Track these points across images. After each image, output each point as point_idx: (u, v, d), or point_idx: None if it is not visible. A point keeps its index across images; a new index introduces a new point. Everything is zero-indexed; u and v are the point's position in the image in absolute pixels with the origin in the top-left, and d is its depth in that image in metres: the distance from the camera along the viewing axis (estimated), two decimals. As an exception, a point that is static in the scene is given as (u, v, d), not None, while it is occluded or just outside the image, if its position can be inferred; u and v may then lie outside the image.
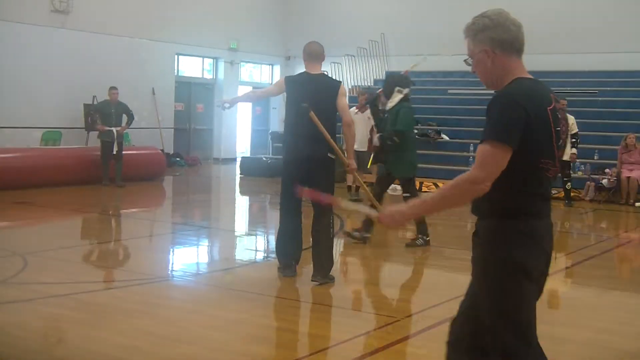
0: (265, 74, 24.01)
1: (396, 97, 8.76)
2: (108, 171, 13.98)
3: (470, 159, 16.08)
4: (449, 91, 19.56)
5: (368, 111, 12.60)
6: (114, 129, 14.11)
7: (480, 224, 3.08)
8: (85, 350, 4.84)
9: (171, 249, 9.10)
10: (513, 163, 2.83)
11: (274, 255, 8.87)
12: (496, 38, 3.02)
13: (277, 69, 23.87)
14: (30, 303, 5.98)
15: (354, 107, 13.34)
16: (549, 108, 2.92)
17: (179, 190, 16.19)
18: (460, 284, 7.20)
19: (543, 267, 3.03)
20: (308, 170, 6.56)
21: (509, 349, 2.95)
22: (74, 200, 12.17)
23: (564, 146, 3.02)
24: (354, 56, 21.22)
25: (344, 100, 6.75)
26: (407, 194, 8.68)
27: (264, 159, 18.55)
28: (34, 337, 5.13)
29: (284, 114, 7.11)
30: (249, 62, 23.08)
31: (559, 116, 2.96)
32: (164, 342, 4.98)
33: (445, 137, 17.35)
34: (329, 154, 6.60)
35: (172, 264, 8.29)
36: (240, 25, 21.54)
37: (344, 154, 6.78)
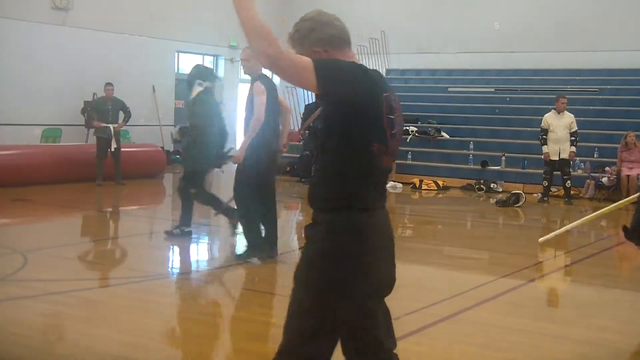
0: (265, 71, 23.95)
1: (196, 90, 8.65)
2: (102, 170, 13.87)
3: (470, 157, 16.10)
4: (450, 89, 19.56)
5: None
6: (110, 126, 14.01)
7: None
8: (84, 348, 4.84)
9: (171, 247, 9.10)
10: (340, 146, 2.82)
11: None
12: (325, 37, 3.02)
13: (277, 66, 23.82)
14: (29, 300, 5.98)
15: None
16: (385, 94, 2.90)
17: (179, 188, 16.15)
18: (460, 282, 7.24)
19: (386, 263, 3.03)
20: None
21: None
22: (73, 198, 12.16)
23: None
24: (354, 54, 21.16)
25: (255, 98, 7.41)
26: (194, 191, 8.70)
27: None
28: (34, 335, 5.13)
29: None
30: (249, 59, 23.03)
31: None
32: (163, 340, 4.99)
33: (446, 135, 17.35)
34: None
35: (172, 261, 8.29)
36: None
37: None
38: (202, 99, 8.59)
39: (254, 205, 7.48)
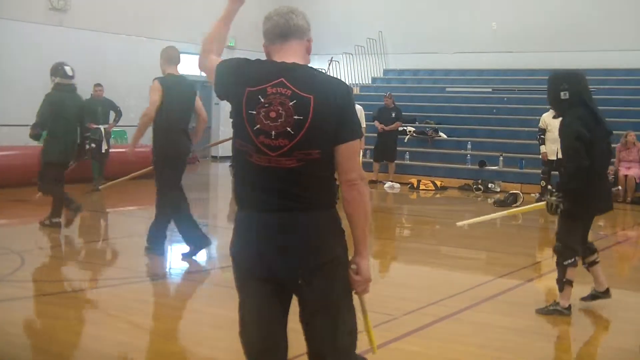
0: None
1: (51, 86, 9.20)
2: (99, 170, 13.79)
3: (468, 157, 16.10)
4: (447, 89, 19.57)
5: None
6: (101, 127, 13.84)
7: None
8: (83, 348, 4.85)
9: (169, 247, 9.08)
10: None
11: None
12: (264, 32, 3.14)
13: (275, 67, 23.84)
14: (27, 301, 5.99)
15: None
16: (249, 88, 2.86)
17: (177, 188, 16.13)
18: (457, 282, 7.24)
19: (251, 265, 2.96)
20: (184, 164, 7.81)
21: None
22: (74, 198, 12.12)
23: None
24: (352, 54, 21.21)
25: (149, 95, 7.68)
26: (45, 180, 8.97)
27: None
28: (32, 335, 5.13)
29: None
30: (247, 59, 23.04)
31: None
32: (162, 340, 4.98)
33: (443, 135, 17.35)
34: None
35: (170, 262, 8.28)
36: (237, 22, 21.11)
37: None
38: (49, 94, 9.20)
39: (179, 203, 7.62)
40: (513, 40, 19.25)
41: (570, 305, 5.82)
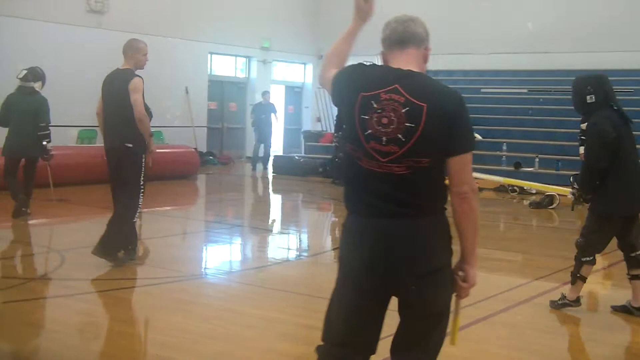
0: (297, 72, 24.07)
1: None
2: None
3: (503, 158, 15.99)
4: (482, 90, 19.45)
5: None
6: None
7: None
8: (120, 347, 4.91)
9: (204, 247, 9.18)
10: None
11: (306, 254, 8.95)
12: (382, 39, 3.16)
13: (309, 67, 23.91)
14: (67, 299, 6.08)
15: None
16: (363, 94, 2.86)
17: (212, 189, 16.29)
18: (493, 284, 7.19)
19: (357, 269, 2.93)
20: (110, 161, 7.21)
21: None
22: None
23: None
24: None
25: (134, 96, 7.07)
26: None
27: (296, 157, 18.61)
28: (71, 332, 5.21)
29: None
30: (281, 61, 23.15)
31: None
32: (198, 339, 5.02)
33: (478, 137, 17.22)
34: (126, 144, 7.00)
35: (206, 262, 8.36)
36: (273, 24, 21.61)
37: None
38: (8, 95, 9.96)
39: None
40: (549, 41, 19.07)
41: (578, 298, 5.89)
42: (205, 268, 7.91)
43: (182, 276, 7.02)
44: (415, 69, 2.93)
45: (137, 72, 7.28)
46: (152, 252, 8.67)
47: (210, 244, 9.41)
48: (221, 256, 8.70)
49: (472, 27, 20.29)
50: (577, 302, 5.90)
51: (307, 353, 4.99)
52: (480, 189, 15.02)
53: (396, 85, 2.83)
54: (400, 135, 2.78)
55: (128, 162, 7.05)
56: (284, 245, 9.69)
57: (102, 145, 12.06)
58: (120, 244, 7.09)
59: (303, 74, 24.08)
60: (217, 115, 20.95)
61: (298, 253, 9.13)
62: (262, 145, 18.79)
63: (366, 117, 2.83)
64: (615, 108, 5.76)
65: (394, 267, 2.86)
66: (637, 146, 5.88)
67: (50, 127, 9.97)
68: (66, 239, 8.77)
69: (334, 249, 9.20)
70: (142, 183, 7.22)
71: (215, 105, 20.91)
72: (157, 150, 14.35)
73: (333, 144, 16.97)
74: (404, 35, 3.03)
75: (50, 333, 5.11)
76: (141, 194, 7.27)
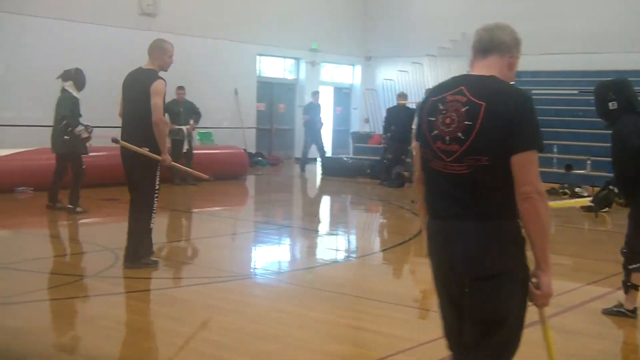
0: (346, 74, 24.09)
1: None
2: (179, 169, 14.23)
3: (554, 160, 15.78)
4: (533, 91, 19.19)
5: None
6: (183, 127, 14.52)
7: None
8: (171, 344, 4.99)
9: (253, 248, 9.26)
10: None
11: (355, 255, 8.96)
12: (472, 44, 3.13)
13: (357, 69, 23.91)
14: (120, 296, 6.20)
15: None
16: (432, 98, 2.97)
17: (261, 190, 16.41)
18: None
19: (434, 270, 3.06)
20: (125, 165, 7.04)
21: None
22: (160, 197, 12.49)
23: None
24: (435, 56, 21.06)
25: (154, 99, 6.77)
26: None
27: (345, 158, 18.63)
28: (125, 330, 5.31)
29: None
30: (329, 62, 23.20)
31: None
32: (247, 339, 5.08)
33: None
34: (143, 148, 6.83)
35: (255, 262, 8.43)
36: (321, 26, 21.67)
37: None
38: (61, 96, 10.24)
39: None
40: (600, 41, 18.76)
41: (635, 309, 5.76)
42: (254, 268, 7.98)
43: (232, 276, 7.10)
44: (495, 75, 2.96)
45: (161, 74, 7.05)
46: (202, 252, 8.78)
47: (259, 244, 9.49)
48: (270, 257, 8.77)
49: (522, 28, 19.84)
50: (634, 312, 5.77)
51: (355, 354, 5.02)
52: None
53: (462, 87, 2.90)
54: (460, 134, 2.83)
55: (144, 166, 6.91)
56: (332, 246, 9.71)
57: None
58: (146, 252, 7.05)
59: (352, 75, 24.09)
60: (266, 117, 21.08)
61: (346, 254, 9.15)
62: (313, 146, 18.81)
63: (433, 118, 2.92)
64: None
65: (455, 270, 2.93)
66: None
67: (82, 123, 10.12)
68: (118, 237, 8.90)
69: (382, 251, 9.21)
70: (157, 187, 7.05)
71: (264, 107, 21.04)
72: (207, 151, 14.71)
73: (381, 145, 16.98)
74: (489, 44, 3.03)
75: (105, 330, 5.22)
76: (156, 199, 7.05)
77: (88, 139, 10.25)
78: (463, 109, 2.84)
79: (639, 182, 5.47)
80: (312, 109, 18.87)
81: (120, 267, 6.99)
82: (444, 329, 3.15)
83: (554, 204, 9.03)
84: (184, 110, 14.75)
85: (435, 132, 2.89)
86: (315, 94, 19.41)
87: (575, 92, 18.61)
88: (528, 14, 20.11)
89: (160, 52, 7.01)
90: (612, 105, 5.64)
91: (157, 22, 17.23)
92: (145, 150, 6.81)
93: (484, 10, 21.02)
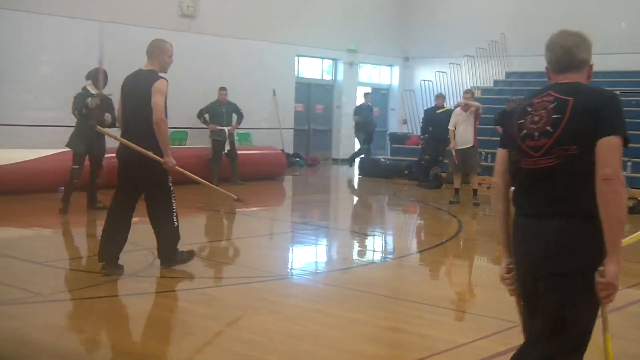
0: (384, 75, 24.04)
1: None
2: (218, 170, 14.42)
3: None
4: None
5: (472, 109, 12.54)
6: (225, 128, 14.62)
7: None
8: (209, 343, 5.03)
9: (290, 248, 9.30)
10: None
11: (391, 256, 8.94)
12: (548, 60, 3.25)
13: (395, 70, 23.85)
14: (158, 296, 6.28)
15: (458, 107, 13.08)
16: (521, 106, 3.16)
17: (298, 190, 16.45)
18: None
19: (522, 268, 3.12)
20: (132, 169, 6.69)
21: None
22: (198, 198, 12.56)
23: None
24: (473, 57, 20.92)
25: (155, 98, 6.52)
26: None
27: (382, 159, 18.59)
28: (162, 328, 5.37)
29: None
30: (367, 63, 23.18)
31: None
32: (283, 339, 5.10)
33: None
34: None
35: (292, 262, 8.46)
36: (359, 26, 21.65)
37: None
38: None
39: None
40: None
41: None
42: (291, 268, 8.01)
43: (269, 276, 7.13)
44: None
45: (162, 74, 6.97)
46: (240, 252, 8.85)
47: (296, 244, 9.52)
48: (307, 257, 8.80)
49: (561, 27, 19.75)
50: None
51: (390, 355, 5.01)
52: None
53: (549, 91, 3.10)
54: (548, 127, 2.98)
55: (152, 170, 6.64)
56: (368, 247, 9.71)
57: (194, 147, 12.44)
58: (174, 249, 6.93)
59: (389, 76, 24.03)
60: (303, 117, 21.13)
61: (383, 255, 9.13)
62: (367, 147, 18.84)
63: (522, 121, 3.09)
64: None
65: (535, 266, 3.05)
66: None
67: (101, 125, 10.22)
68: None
69: (419, 252, 9.18)
70: (171, 189, 6.86)
71: (302, 107, 21.10)
72: (247, 152, 14.81)
73: (419, 146, 16.92)
74: (567, 65, 3.16)
75: (142, 328, 5.29)
76: (173, 197, 6.86)
77: (102, 107, 9.81)
78: (551, 106, 3.02)
79: None
80: (364, 110, 18.90)
81: (157, 266, 7.07)
82: (524, 327, 3.26)
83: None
84: (226, 111, 14.86)
85: (525, 131, 3.05)
86: (367, 95, 19.42)
87: (617, 92, 18.29)
88: (566, 13, 19.88)
89: (161, 52, 6.88)
90: None
91: (196, 23, 17.40)
92: (150, 153, 6.57)
93: (523, 10, 20.87)
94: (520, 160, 3.07)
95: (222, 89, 14.97)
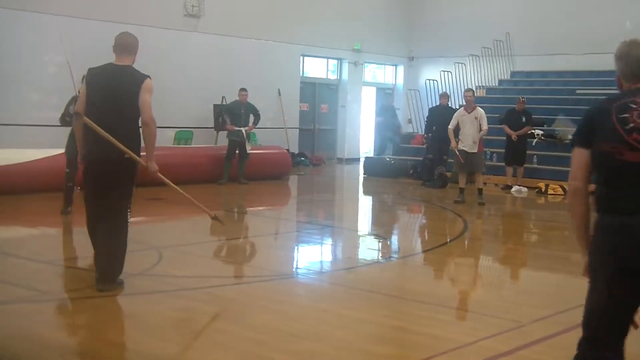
0: (389, 74, 24.04)
1: None
2: (229, 170, 14.47)
3: (600, 162, 15.54)
4: (578, 91, 18.95)
5: (475, 111, 12.50)
6: (242, 129, 14.59)
7: None
8: (215, 342, 5.04)
9: (296, 247, 9.32)
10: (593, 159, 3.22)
11: (396, 256, 8.96)
12: (620, 69, 3.32)
13: (400, 69, 23.85)
14: (164, 295, 6.29)
15: (462, 108, 13.10)
16: (614, 104, 3.18)
17: (303, 190, 16.48)
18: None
19: (616, 273, 3.12)
20: (103, 172, 6.04)
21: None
22: (204, 198, 12.44)
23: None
24: (478, 56, 20.91)
25: (145, 96, 6.00)
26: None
27: (388, 159, 18.60)
28: (168, 327, 5.39)
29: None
30: (372, 62, 23.19)
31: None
32: (289, 338, 5.12)
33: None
34: (125, 155, 5.96)
35: (297, 261, 8.49)
36: (364, 26, 21.67)
37: None
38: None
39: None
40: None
41: None
42: (296, 268, 8.03)
43: (274, 275, 7.16)
44: None
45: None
46: (245, 252, 8.88)
47: (301, 244, 9.55)
48: (312, 256, 8.82)
49: (566, 27, 19.81)
50: None
51: (396, 355, 5.03)
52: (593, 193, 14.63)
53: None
54: None
55: (126, 176, 6.12)
56: (373, 246, 9.73)
57: (200, 146, 12.26)
58: (119, 270, 6.20)
59: (394, 76, 24.03)
60: (308, 117, 21.16)
61: (388, 255, 9.15)
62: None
63: (625, 115, 3.11)
64: None
65: (633, 264, 3.07)
66: None
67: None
68: (163, 236, 9.07)
69: (424, 252, 9.20)
70: (132, 197, 6.27)
71: (307, 107, 21.12)
72: (251, 152, 14.88)
73: (423, 145, 16.93)
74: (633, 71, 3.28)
75: (149, 327, 5.31)
76: (129, 211, 6.24)
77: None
78: None
79: None
80: (387, 112, 18.94)
81: (164, 265, 7.11)
82: (592, 323, 3.26)
83: None
84: (244, 112, 14.84)
85: (631, 125, 3.08)
86: (390, 96, 19.44)
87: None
88: (570, 12, 19.91)
89: (136, 48, 6.30)
90: None
91: (201, 23, 17.44)
92: (135, 156, 6.06)
93: (528, 10, 20.86)
94: (623, 153, 3.08)
95: (243, 89, 14.92)
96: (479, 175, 12.83)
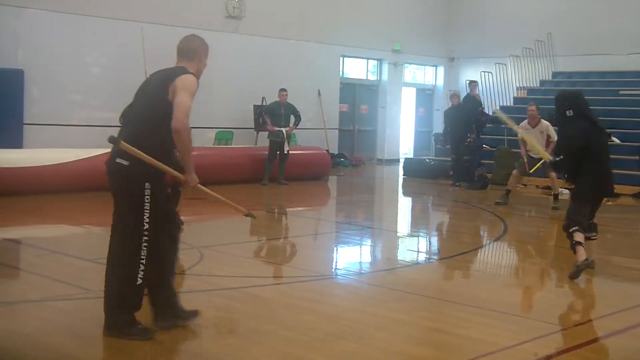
0: (429, 75, 23.95)
1: None
2: (271, 171, 14.55)
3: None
4: (621, 92, 18.67)
5: (540, 125, 12.12)
6: (283, 129, 14.64)
7: None
8: (253, 341, 5.09)
9: (335, 248, 9.34)
10: None
11: (436, 257, 8.94)
12: None
13: (440, 70, 23.74)
14: (204, 294, 6.36)
15: (525, 121, 12.61)
16: None
17: (343, 190, 16.50)
18: (631, 294, 6.93)
19: None
20: (110, 186, 4.96)
21: None
22: (245, 198, 12.68)
23: None
24: (519, 57, 20.72)
25: (181, 96, 4.85)
26: None
27: (427, 160, 18.54)
28: (208, 325, 5.44)
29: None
30: (412, 63, 23.12)
31: None
32: (327, 339, 5.14)
33: (616, 140, 16.53)
34: (118, 160, 4.82)
35: (336, 262, 8.50)
36: (404, 27, 21.62)
37: None
38: None
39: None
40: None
41: (587, 258, 6.96)
42: (335, 268, 8.05)
43: (314, 276, 7.19)
44: None
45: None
46: (285, 252, 8.92)
47: (340, 244, 9.56)
48: (351, 257, 8.83)
49: (608, 27, 19.53)
50: (588, 263, 6.99)
51: (434, 357, 5.02)
52: (617, 195, 14.45)
53: None
54: None
55: (124, 190, 4.91)
56: (413, 247, 9.70)
57: (241, 147, 12.27)
58: (127, 318, 4.99)
59: (434, 77, 23.93)
60: (348, 118, 21.17)
61: (427, 256, 9.13)
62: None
63: None
64: (591, 118, 7.13)
65: None
66: None
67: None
68: (204, 236, 9.15)
69: (463, 253, 9.14)
70: (145, 227, 4.86)
71: (347, 108, 21.13)
72: (291, 152, 14.95)
73: (446, 147, 16.81)
74: None
75: (189, 325, 5.36)
76: (144, 244, 4.88)
77: None
78: None
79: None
80: (470, 102, 18.81)
81: (205, 264, 7.18)
82: None
83: None
84: (284, 113, 14.89)
85: None
86: (453, 96, 19.30)
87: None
88: (613, 12, 19.63)
89: (203, 55, 5.37)
90: (569, 113, 7.12)
91: (242, 24, 17.56)
92: (166, 166, 4.90)
93: (570, 9, 20.60)
94: None
95: (283, 90, 14.97)
96: (553, 179, 12.40)
